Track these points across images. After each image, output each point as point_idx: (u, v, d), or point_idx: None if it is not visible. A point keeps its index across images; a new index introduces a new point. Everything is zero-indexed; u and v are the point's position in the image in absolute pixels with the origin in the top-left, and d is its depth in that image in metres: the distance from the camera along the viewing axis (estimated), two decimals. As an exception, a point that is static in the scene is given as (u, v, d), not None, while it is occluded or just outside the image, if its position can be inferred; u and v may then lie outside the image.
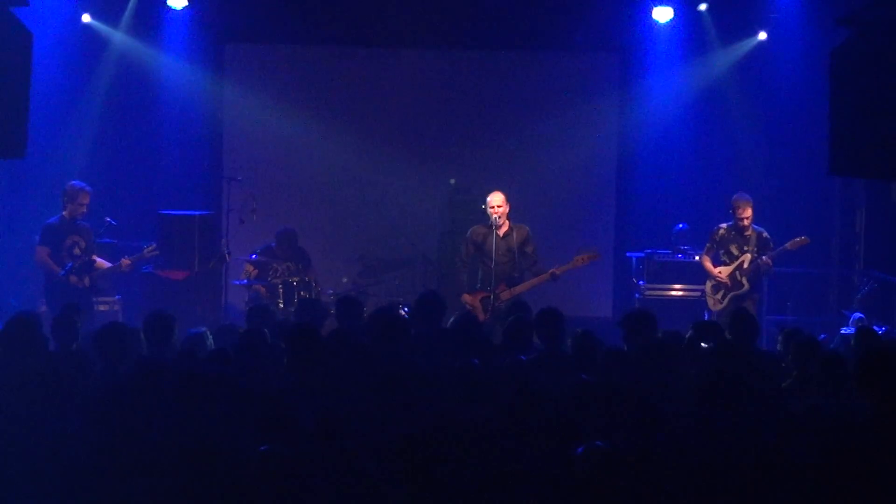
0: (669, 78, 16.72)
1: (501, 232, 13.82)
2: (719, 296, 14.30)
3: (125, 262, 14.00)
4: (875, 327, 13.25)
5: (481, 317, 13.30)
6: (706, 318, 14.67)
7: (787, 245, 14.13)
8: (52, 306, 13.16)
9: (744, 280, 14.13)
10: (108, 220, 14.15)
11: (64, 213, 13.77)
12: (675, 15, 16.21)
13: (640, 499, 6.62)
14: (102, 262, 14.00)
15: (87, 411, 7.74)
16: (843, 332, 13.84)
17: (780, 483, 6.88)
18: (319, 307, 12.15)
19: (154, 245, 14.33)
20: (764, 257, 14.03)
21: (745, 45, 16.52)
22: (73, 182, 13.94)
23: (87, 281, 13.70)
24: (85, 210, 13.77)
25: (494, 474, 6.90)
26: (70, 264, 13.53)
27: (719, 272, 14.24)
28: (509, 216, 13.91)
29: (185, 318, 12.41)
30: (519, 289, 13.80)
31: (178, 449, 6.90)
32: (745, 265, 14.11)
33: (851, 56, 10.67)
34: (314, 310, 11.73)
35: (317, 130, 16.82)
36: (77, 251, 13.68)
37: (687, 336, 10.09)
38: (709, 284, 14.43)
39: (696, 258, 14.86)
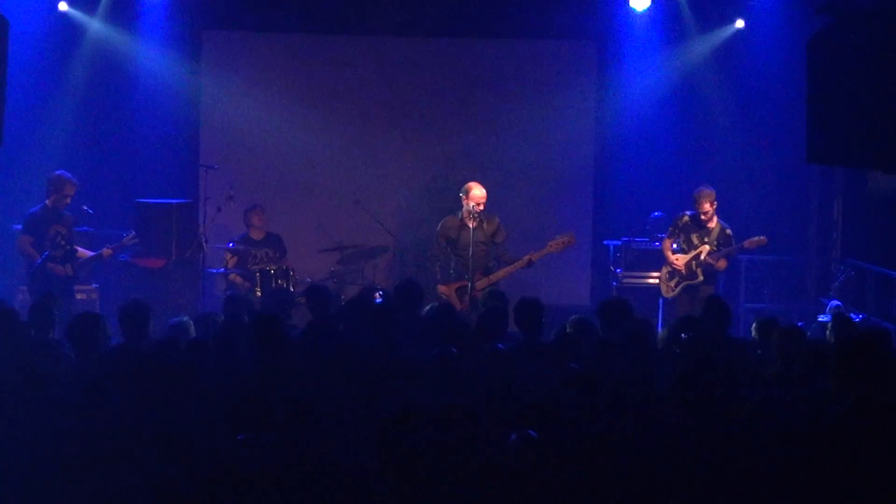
0: (647, 66, 16.72)
1: (473, 223, 13.80)
2: (673, 283, 14.34)
3: (106, 251, 13.93)
4: (852, 315, 13.31)
5: (458, 307, 13.31)
6: (660, 303, 14.74)
7: (745, 243, 14.13)
8: (35, 295, 13.11)
9: (699, 271, 14.13)
10: (85, 208, 14.12)
11: (47, 202, 13.71)
12: (652, 3, 16.19)
13: (615, 488, 6.63)
14: (84, 252, 13.95)
15: (62, 399, 7.72)
16: (820, 319, 13.88)
17: (760, 473, 6.90)
18: (287, 297, 12.13)
19: (134, 233, 14.27)
20: (710, 259, 14.03)
21: (723, 34, 16.52)
22: (60, 172, 13.85)
23: (69, 269, 13.64)
24: (69, 201, 13.71)
25: (472, 463, 6.90)
26: (46, 252, 13.47)
27: (676, 259, 14.27)
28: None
29: (163, 307, 12.43)
30: (496, 277, 13.80)
31: (153, 438, 6.89)
32: (703, 256, 14.10)
33: (829, 44, 10.70)
34: (282, 299, 11.71)
35: (294, 119, 16.80)
36: (60, 240, 13.60)
37: (667, 329, 10.13)
38: (664, 270, 14.48)
39: (663, 243, 14.82)
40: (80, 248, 13.91)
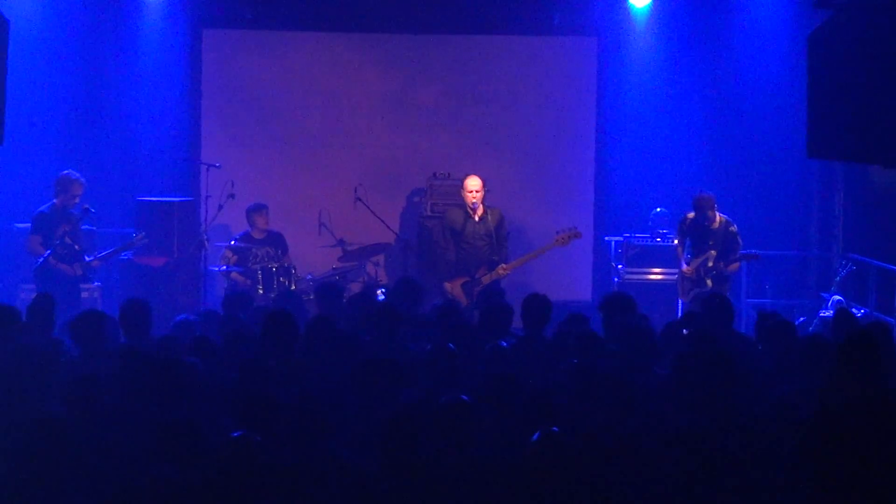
0: (647, 61, 16.67)
1: (477, 216, 13.84)
2: (687, 287, 14.28)
3: (95, 263, 13.99)
4: (853, 310, 13.30)
5: (464, 302, 13.32)
6: (679, 303, 14.70)
7: (740, 256, 14.10)
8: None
9: (707, 280, 14.04)
10: (87, 207, 14.09)
11: (55, 201, 13.75)
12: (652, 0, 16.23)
13: (613, 483, 6.64)
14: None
15: (64, 398, 7.72)
16: (821, 314, 13.88)
17: (759, 469, 6.90)
18: (298, 301, 12.08)
19: (144, 234, 14.31)
20: (725, 264, 13.95)
21: (724, 28, 16.47)
22: (68, 172, 13.89)
23: (77, 268, 13.68)
24: (77, 201, 13.76)
25: (475, 459, 6.91)
26: (49, 251, 13.48)
27: (687, 268, 14.19)
28: (483, 200, 13.95)
29: (164, 305, 12.44)
30: (503, 271, 13.83)
31: (156, 436, 6.89)
32: (710, 263, 14.02)
33: (829, 39, 10.70)
34: (292, 304, 11.69)
35: (294, 116, 16.80)
36: (68, 240, 13.65)
37: (667, 326, 10.13)
38: (679, 273, 14.44)
39: (675, 241, 14.84)
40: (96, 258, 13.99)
